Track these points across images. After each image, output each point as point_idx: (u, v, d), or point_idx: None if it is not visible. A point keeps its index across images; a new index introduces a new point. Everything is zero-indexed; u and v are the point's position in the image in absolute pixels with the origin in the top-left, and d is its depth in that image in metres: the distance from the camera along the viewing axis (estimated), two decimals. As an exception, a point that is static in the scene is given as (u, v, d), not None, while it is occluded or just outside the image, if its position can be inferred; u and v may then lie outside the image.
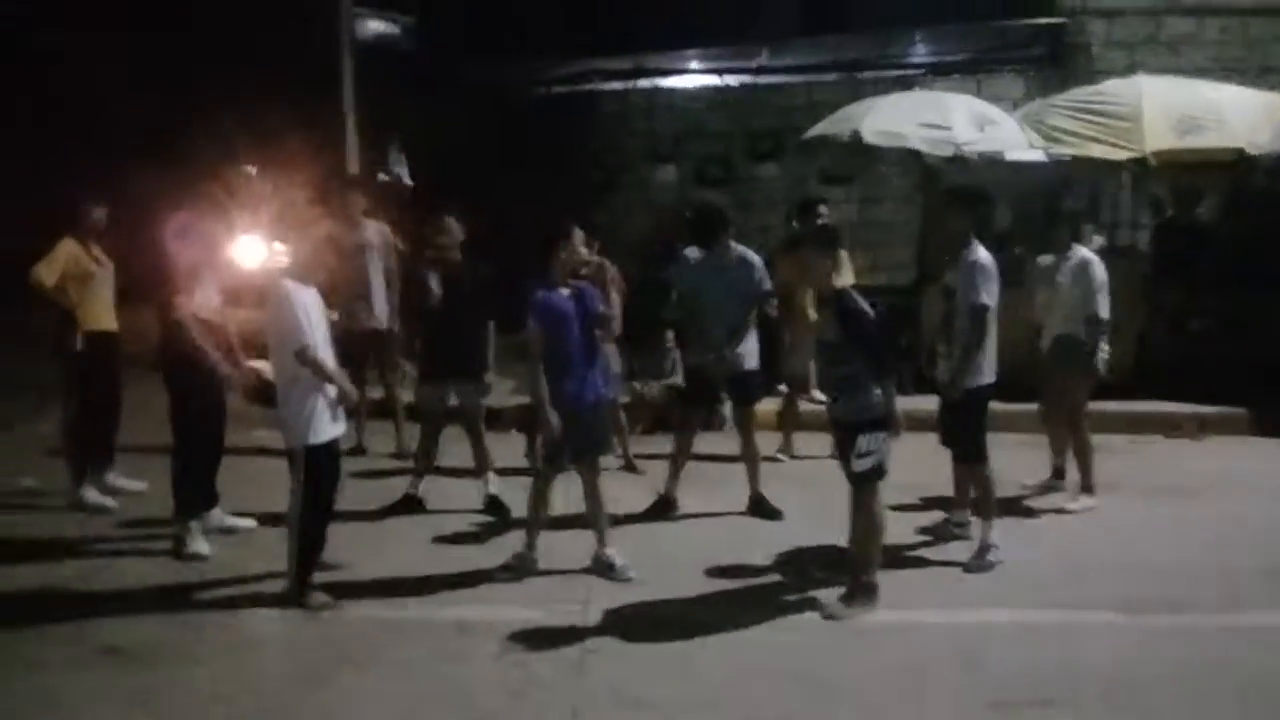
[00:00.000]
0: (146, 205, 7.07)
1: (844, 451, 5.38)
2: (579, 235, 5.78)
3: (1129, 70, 10.71)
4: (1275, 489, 7.42)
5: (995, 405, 7.76)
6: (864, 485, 5.35)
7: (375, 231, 8.30)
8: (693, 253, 6.93)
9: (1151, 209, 11.40)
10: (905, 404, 8.26)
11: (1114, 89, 9.97)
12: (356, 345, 7.80)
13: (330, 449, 5.57)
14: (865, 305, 5.40)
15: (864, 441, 5.26)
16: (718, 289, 6.80)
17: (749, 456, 6.98)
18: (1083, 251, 7.16)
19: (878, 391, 5.27)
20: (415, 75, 12.85)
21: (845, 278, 7.10)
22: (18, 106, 15.91)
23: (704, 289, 6.84)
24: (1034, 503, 7.20)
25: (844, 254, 8.08)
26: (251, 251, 9.01)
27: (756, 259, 6.95)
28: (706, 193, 12.51)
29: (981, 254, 6.14)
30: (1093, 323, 6.97)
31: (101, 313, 7.03)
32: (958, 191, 6.69)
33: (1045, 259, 7.35)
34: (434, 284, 6.82)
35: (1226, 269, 9.87)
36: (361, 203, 8.48)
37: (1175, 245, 10.40)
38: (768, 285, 7.00)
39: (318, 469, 5.47)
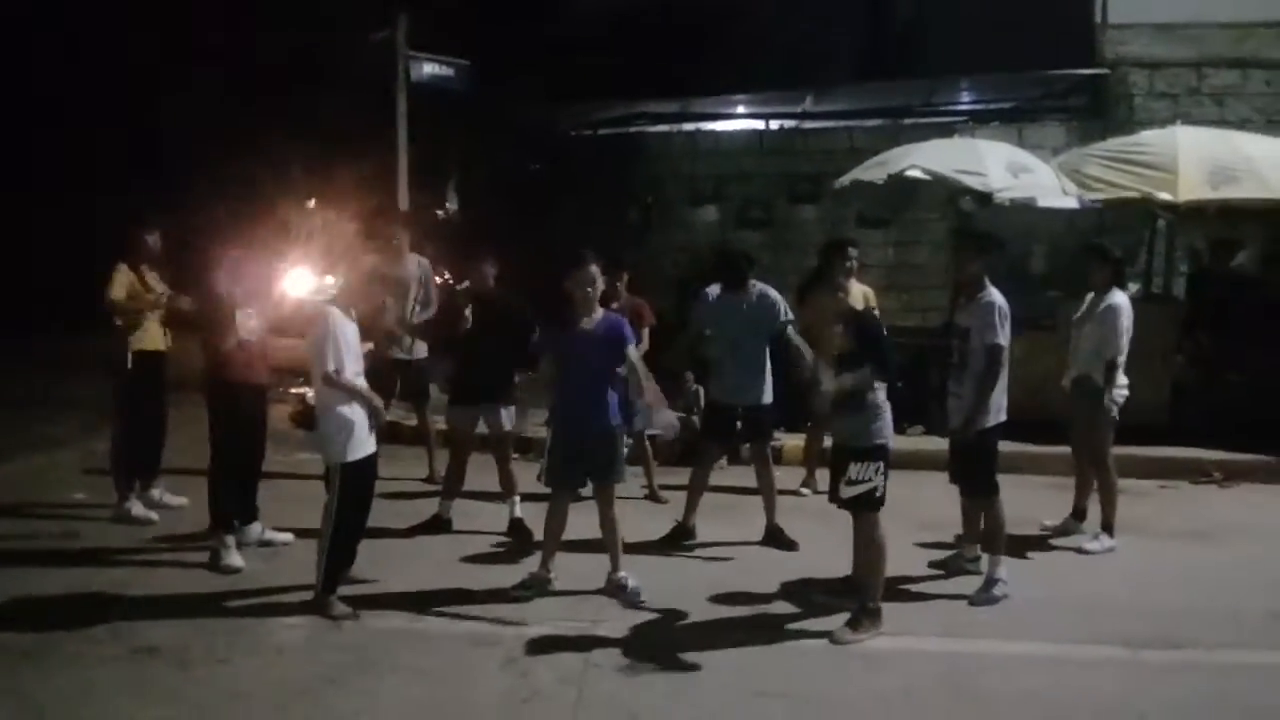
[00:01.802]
0: (206, 235, 7.49)
1: (836, 476, 5.55)
2: (592, 268, 5.96)
3: (1171, 121, 10.77)
4: (1296, 535, 7.42)
5: (1023, 447, 7.92)
6: (855, 512, 5.50)
7: (415, 264, 8.61)
8: (714, 290, 7.13)
9: (1189, 258, 11.43)
10: (920, 443, 8.62)
11: (1150, 139, 10.06)
12: (387, 375, 8.17)
13: (365, 466, 5.84)
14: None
15: (855, 469, 5.43)
16: (736, 325, 7.00)
17: (765, 488, 7.15)
18: (1116, 295, 7.22)
19: (878, 423, 5.43)
20: (468, 116, 13.32)
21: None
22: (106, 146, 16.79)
23: (723, 325, 7.03)
24: (1052, 541, 7.28)
25: (867, 290, 8.29)
26: (302, 282, 9.34)
27: (775, 294, 7.11)
28: (745, 234, 12.76)
29: (996, 295, 6.29)
30: (1110, 368, 7.05)
31: (151, 334, 7.39)
32: (969, 235, 6.84)
33: (1087, 299, 7.38)
34: (467, 313, 7.12)
35: (1262, 319, 9.88)
36: (407, 238, 8.81)
37: (1211, 294, 10.43)
38: (788, 315, 7.13)
39: (352, 485, 5.74)
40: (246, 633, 5.51)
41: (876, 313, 6.05)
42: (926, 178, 9.71)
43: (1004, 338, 6.19)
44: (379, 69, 12.15)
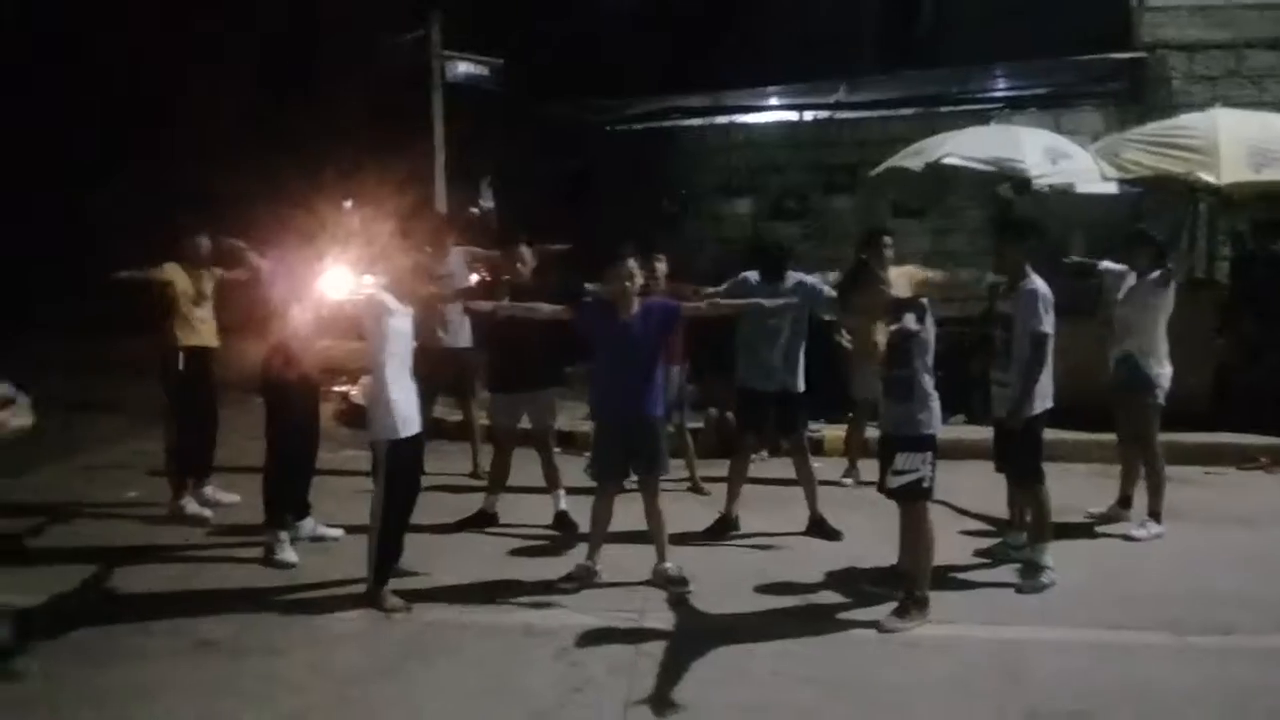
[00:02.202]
0: (245, 236, 7.59)
1: (883, 466, 5.58)
2: (630, 262, 6.01)
3: (1210, 104, 10.66)
4: (1344, 520, 7.37)
5: (1067, 435, 7.91)
6: (902, 502, 5.54)
7: (458, 257, 8.67)
8: (753, 276, 7.13)
9: (1231, 241, 11.32)
10: (963, 432, 8.61)
11: (1189, 122, 9.96)
12: (435, 364, 8.21)
13: (411, 445, 5.89)
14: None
15: (901, 459, 5.45)
16: (773, 312, 6.98)
17: (804, 479, 7.18)
18: (1155, 275, 7.18)
19: (925, 413, 5.45)
20: (502, 114, 13.40)
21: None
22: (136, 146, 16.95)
23: (760, 311, 7.02)
24: (1099, 529, 7.26)
25: (909, 270, 8.22)
26: (339, 283, 9.42)
27: (809, 277, 7.08)
28: (780, 226, 12.77)
29: (1039, 283, 6.28)
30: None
31: (199, 331, 7.52)
32: (1009, 223, 6.83)
33: (1128, 280, 7.33)
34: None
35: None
36: (451, 236, 8.89)
37: (1255, 278, 10.35)
38: (829, 291, 6.94)
39: (399, 464, 5.79)
40: (301, 626, 5.62)
41: (924, 301, 6.00)
42: (969, 165, 9.68)
43: (1049, 325, 6.19)
44: (413, 68, 12.25)
